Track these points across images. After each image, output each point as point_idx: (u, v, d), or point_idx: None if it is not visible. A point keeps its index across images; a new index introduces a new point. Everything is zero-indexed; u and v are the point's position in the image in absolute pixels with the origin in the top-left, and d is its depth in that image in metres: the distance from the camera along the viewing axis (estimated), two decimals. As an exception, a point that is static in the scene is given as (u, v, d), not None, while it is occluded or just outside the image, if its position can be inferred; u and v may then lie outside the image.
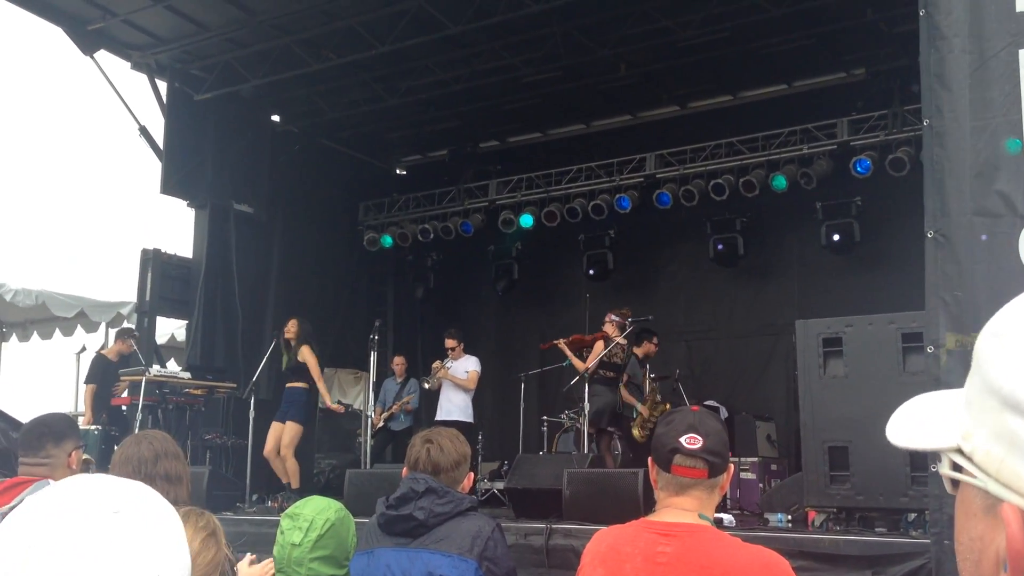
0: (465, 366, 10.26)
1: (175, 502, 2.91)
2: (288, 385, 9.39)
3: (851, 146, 10.64)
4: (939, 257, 4.74)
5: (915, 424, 0.80)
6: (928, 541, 5.24)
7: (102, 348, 10.17)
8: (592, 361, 8.98)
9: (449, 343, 10.36)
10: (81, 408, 13.79)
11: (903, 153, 10.08)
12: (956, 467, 0.74)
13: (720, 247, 11.86)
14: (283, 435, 9.12)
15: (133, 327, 10.82)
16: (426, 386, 10.53)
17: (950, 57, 4.81)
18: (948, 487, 0.77)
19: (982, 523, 0.71)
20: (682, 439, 2.25)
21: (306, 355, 9.20)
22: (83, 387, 10.59)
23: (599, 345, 9.09)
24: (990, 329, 0.74)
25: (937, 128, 4.84)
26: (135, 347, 10.15)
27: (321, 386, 9.47)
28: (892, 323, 6.27)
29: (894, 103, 10.34)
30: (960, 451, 0.74)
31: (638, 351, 9.89)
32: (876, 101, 10.63)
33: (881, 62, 10.64)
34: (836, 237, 10.97)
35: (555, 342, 9.57)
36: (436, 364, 10.35)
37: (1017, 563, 0.68)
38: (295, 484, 9.04)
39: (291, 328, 9.35)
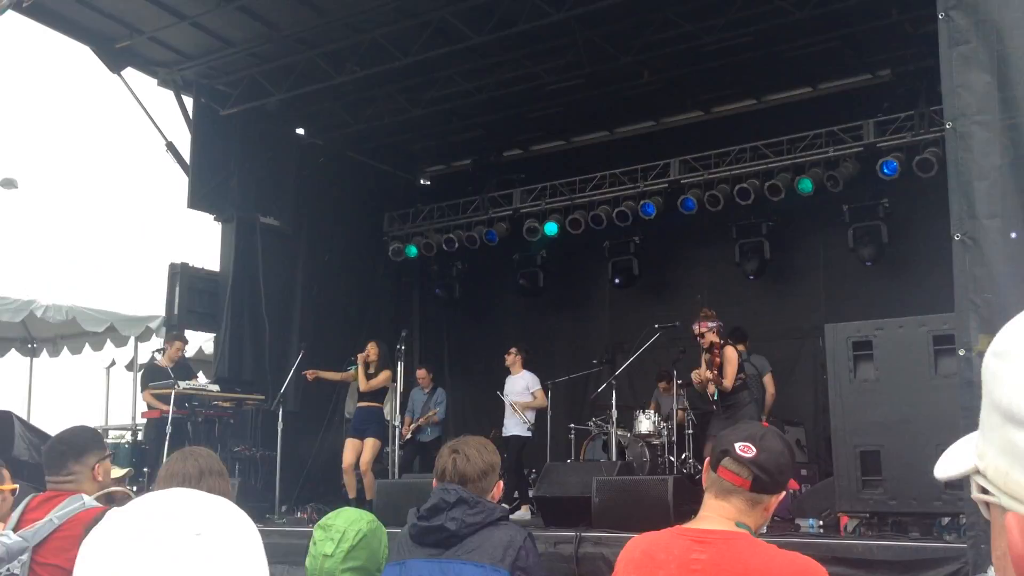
0: (522, 382, 10.32)
1: None
2: (363, 404, 9.84)
3: (877, 148, 10.55)
4: (967, 259, 4.70)
5: (951, 455, 0.84)
6: (963, 546, 5.18)
7: (158, 353, 10.26)
8: (734, 370, 8.38)
9: (508, 359, 10.50)
10: (111, 422, 13.94)
11: (930, 154, 9.98)
12: (983, 490, 0.76)
13: (746, 252, 11.79)
14: (364, 451, 9.56)
15: (181, 333, 10.92)
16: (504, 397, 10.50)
17: (973, 57, 4.76)
18: (983, 511, 0.78)
19: (1005, 539, 0.72)
20: (737, 444, 2.27)
21: (385, 379, 9.73)
22: (109, 400, 10.70)
23: (732, 352, 8.46)
24: (993, 348, 0.76)
25: (961, 130, 4.79)
26: (183, 352, 10.30)
27: (388, 407, 10.09)
28: (923, 326, 6.21)
29: (920, 104, 10.25)
30: (979, 471, 0.77)
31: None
32: (902, 102, 10.53)
33: (907, 63, 10.55)
34: (864, 239, 10.86)
35: (704, 382, 8.72)
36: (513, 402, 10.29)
37: (1020, 570, 0.70)
38: (370, 496, 9.28)
39: (372, 352, 9.80)
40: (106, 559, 0.94)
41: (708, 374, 8.43)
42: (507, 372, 10.66)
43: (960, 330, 4.60)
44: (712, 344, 8.48)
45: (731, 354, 8.41)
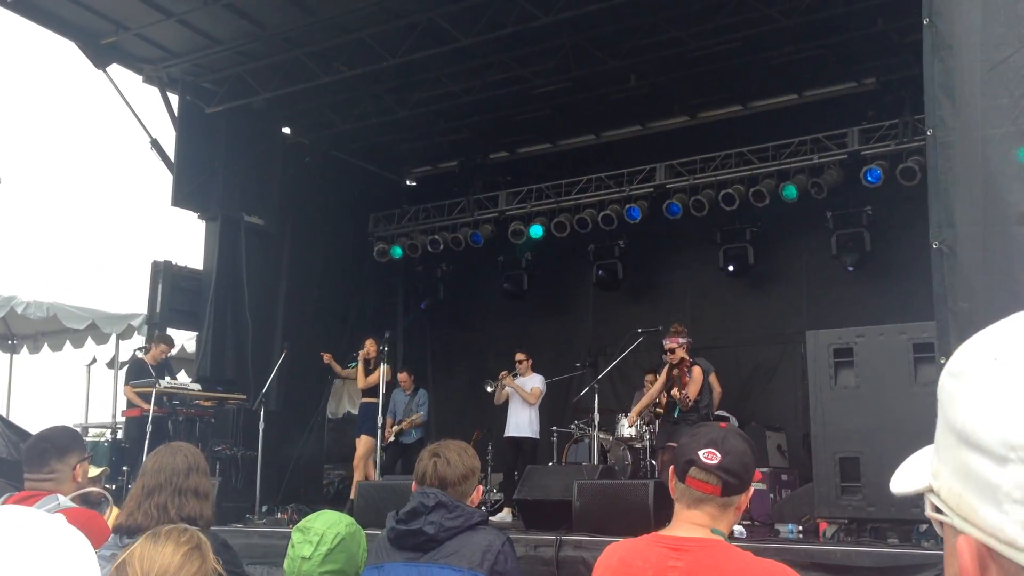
0: (531, 383, 10.49)
1: (201, 518, 2.92)
2: (367, 400, 10.20)
3: (862, 155, 10.61)
4: (945, 268, 4.72)
5: (907, 469, 0.84)
6: (941, 553, 5.21)
7: (140, 352, 10.21)
8: (698, 388, 8.49)
9: (518, 357, 10.60)
10: (92, 420, 13.85)
11: (914, 163, 10.05)
12: (937, 509, 0.77)
13: (730, 257, 11.83)
14: (360, 448, 10.03)
15: (168, 335, 10.89)
16: (488, 390, 10.69)
17: (955, 66, 4.79)
18: (937, 528, 0.79)
19: (957, 560, 0.73)
20: (700, 452, 2.25)
21: (383, 375, 9.93)
22: (89, 397, 10.63)
23: (697, 372, 8.53)
24: (948, 368, 0.76)
25: (942, 139, 4.82)
26: (168, 354, 10.30)
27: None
28: (903, 333, 6.25)
29: (905, 112, 10.32)
30: (932, 490, 0.77)
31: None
32: (887, 110, 10.60)
33: (892, 71, 10.62)
34: (846, 246, 10.92)
35: (684, 400, 8.67)
36: (503, 373, 10.54)
37: None
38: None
39: (371, 348, 10.11)
40: None
41: (676, 392, 8.49)
42: (490, 375, 10.69)
43: (939, 339, 4.63)
44: (682, 360, 8.52)
45: (697, 374, 8.52)
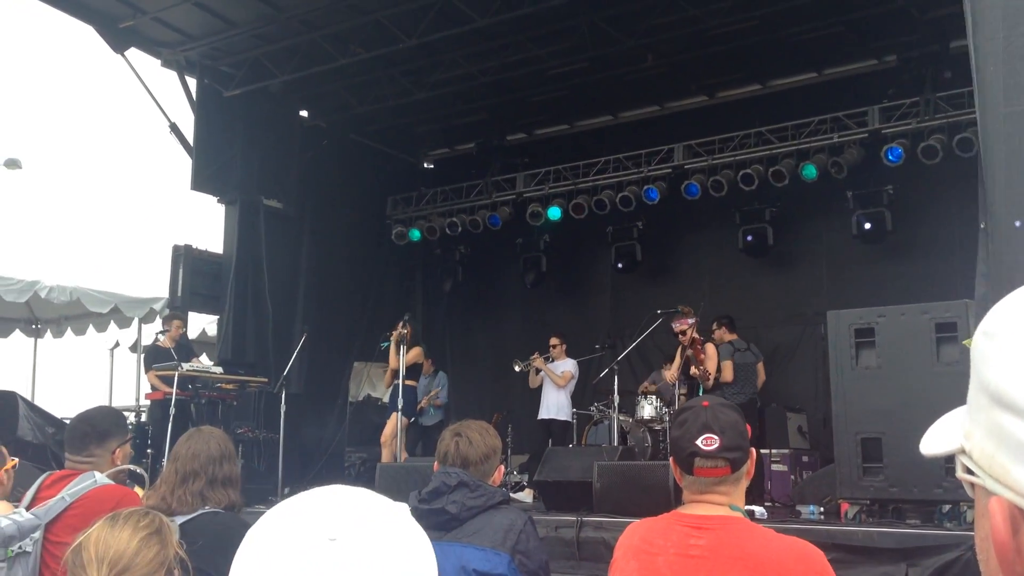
0: (563, 367, 10.64)
1: (232, 505, 2.94)
2: (408, 383, 9.89)
3: (882, 134, 10.51)
4: (986, 247, 4.68)
5: (937, 431, 0.84)
6: (963, 533, 5.20)
7: (161, 335, 10.28)
8: (715, 364, 8.64)
9: (552, 341, 10.76)
10: (116, 403, 13.99)
11: (935, 141, 9.94)
12: (969, 470, 0.76)
13: (749, 237, 11.77)
14: (387, 427, 9.83)
15: (178, 312, 10.91)
16: (516, 369, 10.78)
17: (985, 44, 4.73)
18: (968, 490, 0.79)
19: (988, 521, 0.72)
20: (699, 441, 2.23)
21: (416, 355, 9.89)
22: (113, 381, 10.72)
23: (711, 349, 8.70)
24: (983, 328, 0.76)
25: (992, 120, 4.76)
26: (184, 329, 10.32)
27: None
28: (925, 313, 6.20)
29: (926, 90, 10.20)
30: (964, 451, 0.77)
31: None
32: (907, 88, 10.48)
33: (912, 48, 10.49)
34: (867, 226, 10.84)
35: (704, 376, 8.80)
36: (535, 355, 10.67)
37: (1001, 554, 0.70)
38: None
39: (407, 330, 9.86)
40: (242, 568, 0.93)
41: (695, 371, 8.55)
42: (509, 357, 10.72)
43: (978, 318, 4.59)
44: (694, 341, 8.54)
45: (711, 350, 8.62)
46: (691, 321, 8.64)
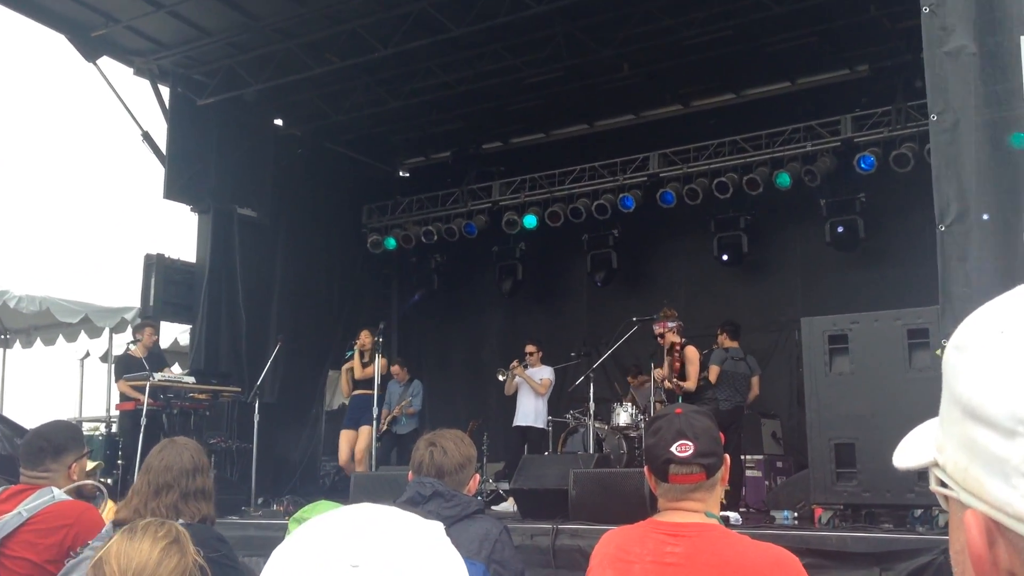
0: (541, 374, 10.64)
1: (205, 518, 2.91)
2: (360, 392, 10.06)
3: (855, 143, 10.62)
4: (948, 252, 4.73)
5: (910, 444, 0.84)
6: (936, 537, 5.24)
7: (132, 345, 10.18)
8: (697, 370, 8.43)
9: (529, 348, 10.76)
10: (86, 413, 13.84)
11: (907, 149, 10.05)
12: (942, 483, 0.76)
13: (724, 245, 11.84)
14: (360, 439, 9.86)
15: (150, 320, 10.80)
16: (500, 378, 10.83)
17: (954, 52, 4.79)
18: (942, 503, 0.78)
19: (963, 534, 0.72)
20: (673, 448, 2.23)
21: (380, 367, 9.81)
22: (83, 392, 10.57)
23: (693, 351, 8.49)
24: (953, 341, 0.76)
25: (945, 123, 4.82)
26: (156, 337, 10.24)
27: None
28: (898, 319, 6.26)
29: (898, 99, 10.31)
30: (938, 464, 0.77)
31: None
32: (880, 97, 10.60)
33: (884, 58, 10.61)
34: (840, 230, 10.92)
35: (667, 386, 8.86)
36: (514, 362, 10.68)
37: (978, 567, 0.69)
38: None
39: (366, 340, 10.02)
40: None
41: (667, 383, 8.49)
42: (485, 366, 10.73)
43: (941, 322, 4.64)
44: (672, 345, 8.50)
45: (692, 354, 8.47)
46: (671, 325, 8.61)
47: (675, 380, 8.53)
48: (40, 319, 13.37)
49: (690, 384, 8.49)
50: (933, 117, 4.98)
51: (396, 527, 0.93)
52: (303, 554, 0.90)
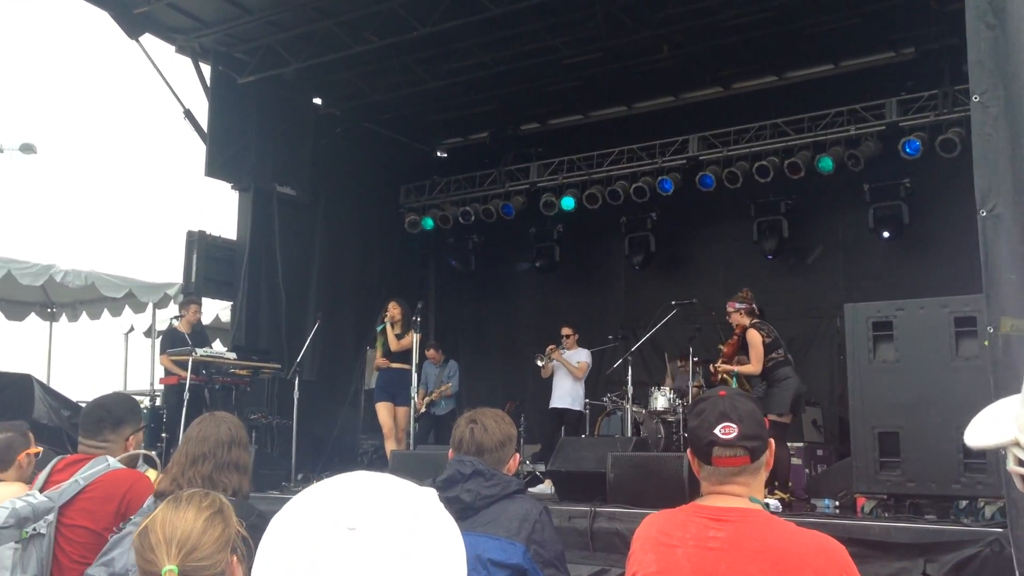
0: (577, 357, 10.59)
1: (239, 491, 2.94)
2: (395, 366, 9.67)
3: (900, 127, 10.44)
4: (992, 238, 4.63)
5: (984, 424, 0.81)
6: (981, 529, 5.16)
7: (175, 320, 10.30)
8: (759, 354, 8.23)
9: (565, 331, 10.71)
10: (130, 387, 14.07)
11: (954, 134, 9.86)
12: (1022, 462, 0.73)
13: (764, 229, 11.72)
14: (399, 420, 9.60)
15: (195, 295, 10.90)
16: (539, 363, 10.76)
17: (1000, 31, 4.67)
18: (1018, 484, 0.76)
19: None
20: (716, 430, 2.21)
21: (416, 340, 9.38)
22: (127, 365, 10.72)
23: (754, 335, 8.28)
24: None
25: (988, 105, 4.71)
26: (200, 314, 10.32)
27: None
28: (945, 307, 6.16)
29: (944, 82, 10.12)
30: (1019, 444, 0.74)
31: None
32: (926, 80, 10.40)
33: (931, 40, 10.39)
34: (882, 219, 10.76)
35: (715, 368, 8.81)
36: (551, 347, 10.62)
37: None
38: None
39: (395, 311, 9.68)
40: (263, 558, 0.92)
41: (725, 365, 8.44)
42: (521, 347, 10.72)
43: (986, 309, 4.54)
44: (736, 327, 8.46)
45: (753, 337, 8.30)
46: (739, 306, 8.51)
47: (720, 364, 8.50)
48: (86, 293, 13.60)
49: (751, 368, 8.37)
50: (975, 98, 4.87)
51: (391, 492, 0.96)
52: (302, 518, 0.92)
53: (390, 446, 9.65)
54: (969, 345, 5.82)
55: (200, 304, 10.57)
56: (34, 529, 2.98)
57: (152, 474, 3.83)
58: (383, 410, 9.73)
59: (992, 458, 4.93)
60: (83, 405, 5.75)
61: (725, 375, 8.57)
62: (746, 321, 8.43)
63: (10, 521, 2.94)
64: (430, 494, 1.01)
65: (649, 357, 11.59)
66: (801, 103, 11.26)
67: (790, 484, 7.93)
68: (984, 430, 0.81)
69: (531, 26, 10.89)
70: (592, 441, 9.15)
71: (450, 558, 0.96)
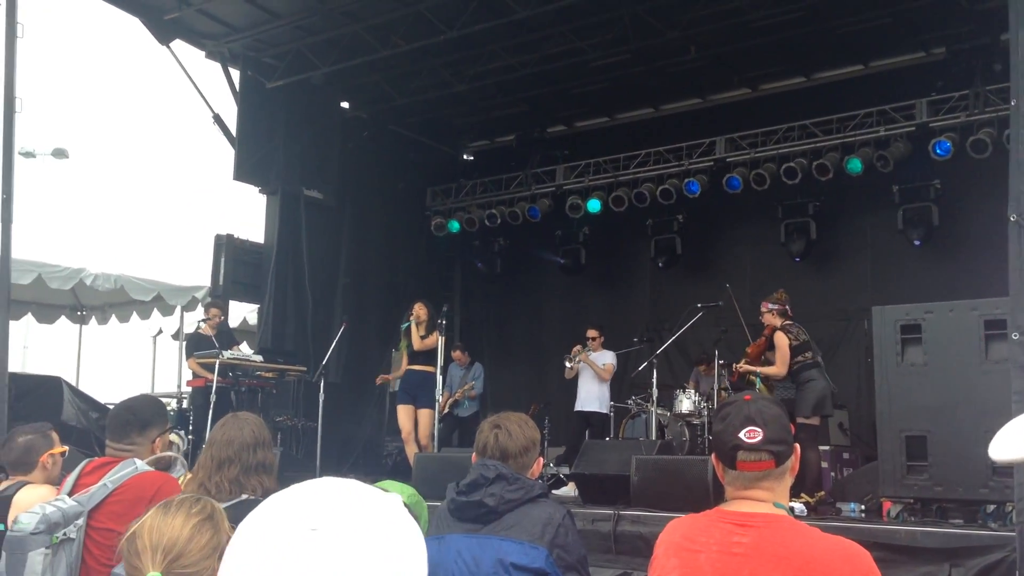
0: (603, 359, 10.50)
1: (266, 492, 2.96)
2: (416, 368, 9.47)
3: (930, 128, 10.32)
4: (1021, 242, 4.58)
5: (1011, 435, 0.80)
6: (1009, 534, 5.09)
7: (202, 323, 10.37)
8: (784, 356, 8.21)
9: (591, 333, 10.60)
10: (158, 389, 14.21)
11: (985, 135, 9.75)
12: None
13: (791, 231, 11.63)
14: (421, 423, 9.38)
15: (218, 300, 10.99)
16: (568, 365, 10.70)
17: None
18: None
19: None
20: (741, 434, 2.18)
21: (437, 341, 9.33)
22: (156, 368, 10.81)
23: (780, 338, 8.26)
24: None
25: (1025, 108, 4.66)
26: (223, 317, 10.38)
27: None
28: (974, 310, 6.09)
29: (976, 83, 9.99)
30: None
31: None
32: (956, 81, 10.27)
33: (962, 41, 10.27)
34: (912, 221, 10.64)
35: (737, 368, 8.82)
36: (577, 348, 10.57)
37: None
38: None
39: (420, 312, 9.51)
40: (229, 559, 0.94)
41: (746, 365, 8.39)
42: (546, 349, 10.70)
43: (1013, 313, 4.49)
44: (766, 327, 8.41)
45: (780, 340, 8.25)
46: (772, 306, 8.46)
47: (743, 364, 8.46)
48: (115, 296, 13.74)
49: (775, 370, 8.32)
50: (1014, 102, 4.81)
51: (353, 497, 0.98)
52: (267, 519, 0.94)
53: (409, 449, 9.59)
54: (999, 348, 5.74)
55: (223, 308, 10.63)
56: (64, 534, 3.00)
57: (188, 476, 3.86)
58: (402, 412, 9.62)
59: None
60: (111, 407, 5.81)
61: (750, 375, 8.53)
62: (777, 322, 8.38)
63: (40, 527, 2.96)
64: (394, 499, 1.03)
65: (674, 359, 11.54)
66: (830, 104, 11.17)
67: (821, 491, 7.86)
68: (1012, 443, 0.80)
69: (558, 28, 10.89)
70: (616, 444, 9.13)
71: (409, 559, 0.98)
